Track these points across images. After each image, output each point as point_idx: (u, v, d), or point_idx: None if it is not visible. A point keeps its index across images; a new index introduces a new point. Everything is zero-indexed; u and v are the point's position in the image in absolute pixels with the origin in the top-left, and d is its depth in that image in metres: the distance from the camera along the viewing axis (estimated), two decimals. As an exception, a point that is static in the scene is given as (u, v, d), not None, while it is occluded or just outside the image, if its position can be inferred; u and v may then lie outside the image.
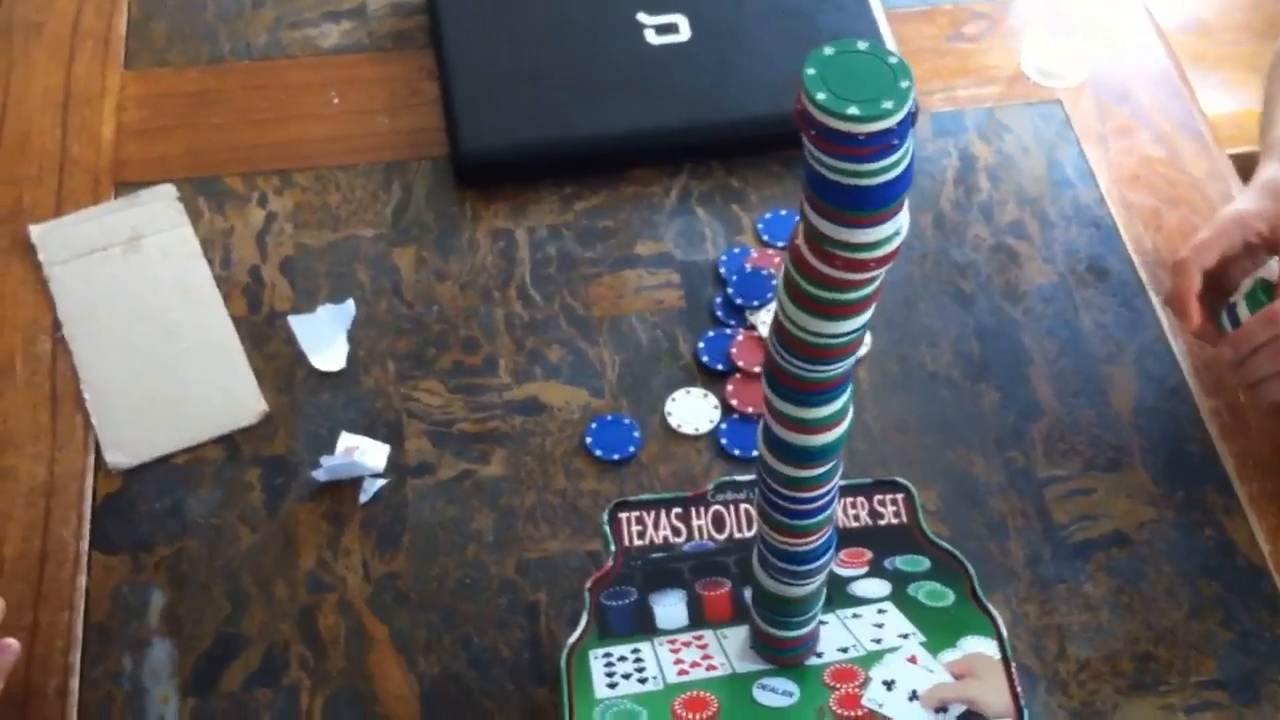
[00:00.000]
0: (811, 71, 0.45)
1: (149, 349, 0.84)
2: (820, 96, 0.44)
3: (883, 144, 0.45)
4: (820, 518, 0.60)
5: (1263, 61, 1.73)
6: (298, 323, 0.85)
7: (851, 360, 0.53)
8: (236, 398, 0.83)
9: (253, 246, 0.89)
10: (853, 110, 0.44)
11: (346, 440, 0.80)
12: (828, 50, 0.45)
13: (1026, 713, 0.67)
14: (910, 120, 0.45)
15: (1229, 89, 1.65)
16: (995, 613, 0.70)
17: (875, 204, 0.47)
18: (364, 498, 0.79)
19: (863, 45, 0.45)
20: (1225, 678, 0.75)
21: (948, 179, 0.95)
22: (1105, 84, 1.01)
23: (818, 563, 0.63)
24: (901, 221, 0.48)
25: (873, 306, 0.51)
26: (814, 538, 0.61)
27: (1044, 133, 0.98)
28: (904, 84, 0.44)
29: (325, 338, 0.85)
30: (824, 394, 0.54)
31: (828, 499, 0.59)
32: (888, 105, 0.44)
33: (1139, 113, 0.99)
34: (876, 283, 0.50)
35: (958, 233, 0.92)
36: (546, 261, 0.89)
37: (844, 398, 0.55)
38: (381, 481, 0.80)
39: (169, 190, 0.90)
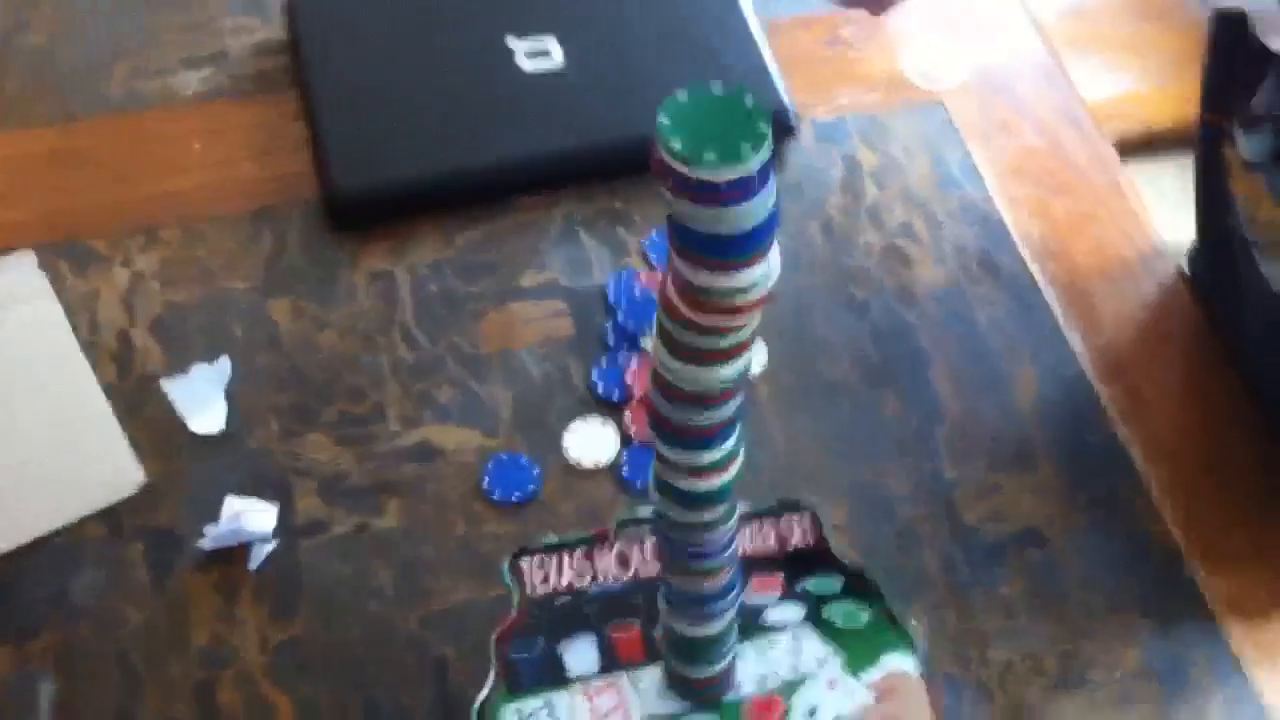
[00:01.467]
0: (665, 120, 0.43)
1: (18, 427, 0.80)
2: (675, 145, 0.42)
3: (743, 189, 0.43)
4: (721, 558, 0.58)
5: (1143, 42, 1.76)
6: (172, 386, 0.82)
7: (735, 404, 0.51)
8: (114, 469, 0.79)
9: (120, 309, 0.85)
10: (710, 156, 0.42)
11: (232, 504, 0.77)
12: (681, 96, 0.43)
13: (952, 727, 0.66)
14: (771, 163, 0.43)
15: (1109, 71, 1.67)
16: (911, 626, 0.68)
17: (743, 250, 0.45)
18: (254, 563, 0.76)
19: (718, 89, 0.43)
20: (1151, 667, 0.74)
21: (835, 186, 0.94)
22: (986, 80, 1.00)
23: (724, 600, 0.61)
24: (772, 264, 0.46)
25: (750, 351, 0.49)
26: (718, 579, 0.59)
27: (928, 133, 0.97)
28: (761, 127, 0.42)
29: (202, 399, 0.81)
30: (711, 439, 0.52)
31: (727, 539, 0.57)
32: (746, 148, 0.42)
33: (1020, 106, 0.99)
34: (752, 326, 0.48)
35: (848, 239, 0.91)
36: (430, 300, 0.87)
37: (732, 440, 0.53)
38: (272, 544, 0.77)
39: (29, 258, 0.86)
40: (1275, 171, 0.77)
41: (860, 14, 0.67)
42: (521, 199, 0.92)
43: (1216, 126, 0.82)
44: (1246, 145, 0.77)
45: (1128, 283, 0.90)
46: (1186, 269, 0.90)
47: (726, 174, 0.43)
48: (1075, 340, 0.87)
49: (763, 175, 0.44)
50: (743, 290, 0.46)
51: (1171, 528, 0.79)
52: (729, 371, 0.50)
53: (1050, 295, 0.89)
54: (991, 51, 1.02)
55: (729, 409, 0.52)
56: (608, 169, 0.93)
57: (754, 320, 0.48)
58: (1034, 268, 0.90)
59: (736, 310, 0.47)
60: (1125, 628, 0.76)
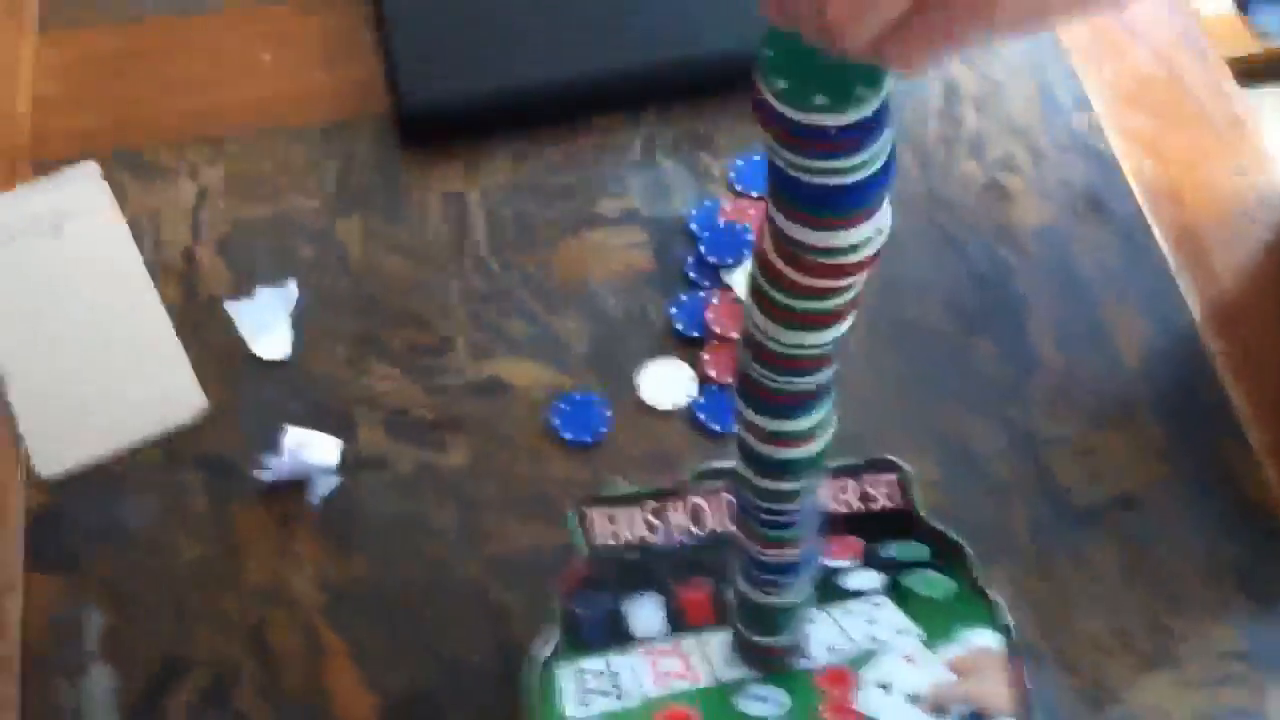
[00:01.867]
0: (768, 53, 0.38)
1: (78, 344, 0.78)
2: (780, 85, 0.38)
3: (856, 137, 0.38)
4: (802, 529, 0.54)
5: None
6: (236, 308, 0.79)
7: (830, 371, 0.47)
8: (174, 393, 0.77)
9: (185, 225, 0.82)
10: (820, 99, 0.37)
11: (294, 436, 0.75)
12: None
13: (1036, 709, 0.62)
14: (887, 107, 0.39)
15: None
16: (999, 601, 0.64)
17: (854, 204, 0.40)
18: (315, 498, 0.74)
19: None
20: (1246, 648, 0.70)
21: (931, 112, 0.88)
22: (1098, -2, 0.93)
23: (803, 572, 0.57)
24: (884, 219, 0.42)
25: (854, 313, 0.45)
26: (797, 549, 0.55)
27: (1033, 54, 0.91)
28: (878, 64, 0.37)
29: (267, 323, 0.78)
30: (801, 406, 0.48)
31: (810, 510, 0.54)
32: (862, 90, 0.38)
33: (1134, 26, 0.92)
34: (858, 288, 0.44)
35: (945, 170, 0.86)
36: (503, 225, 0.83)
37: (824, 409, 0.49)
38: (334, 478, 0.74)
39: (93, 169, 0.84)
40: None
41: None
42: (600, 119, 0.87)
43: None
44: None
45: (1246, 228, 0.84)
46: None
47: (838, 119, 0.38)
48: (1187, 289, 0.81)
49: (878, 121, 0.39)
50: (850, 249, 0.42)
51: (1277, 497, 0.74)
52: (828, 336, 0.46)
53: (1162, 239, 0.83)
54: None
55: (823, 375, 0.48)
56: (692, 88, 0.88)
57: (859, 282, 0.44)
58: (1145, 208, 0.84)
59: (841, 271, 0.42)
60: (1222, 603, 0.71)
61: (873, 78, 0.38)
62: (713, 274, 0.81)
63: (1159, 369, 0.78)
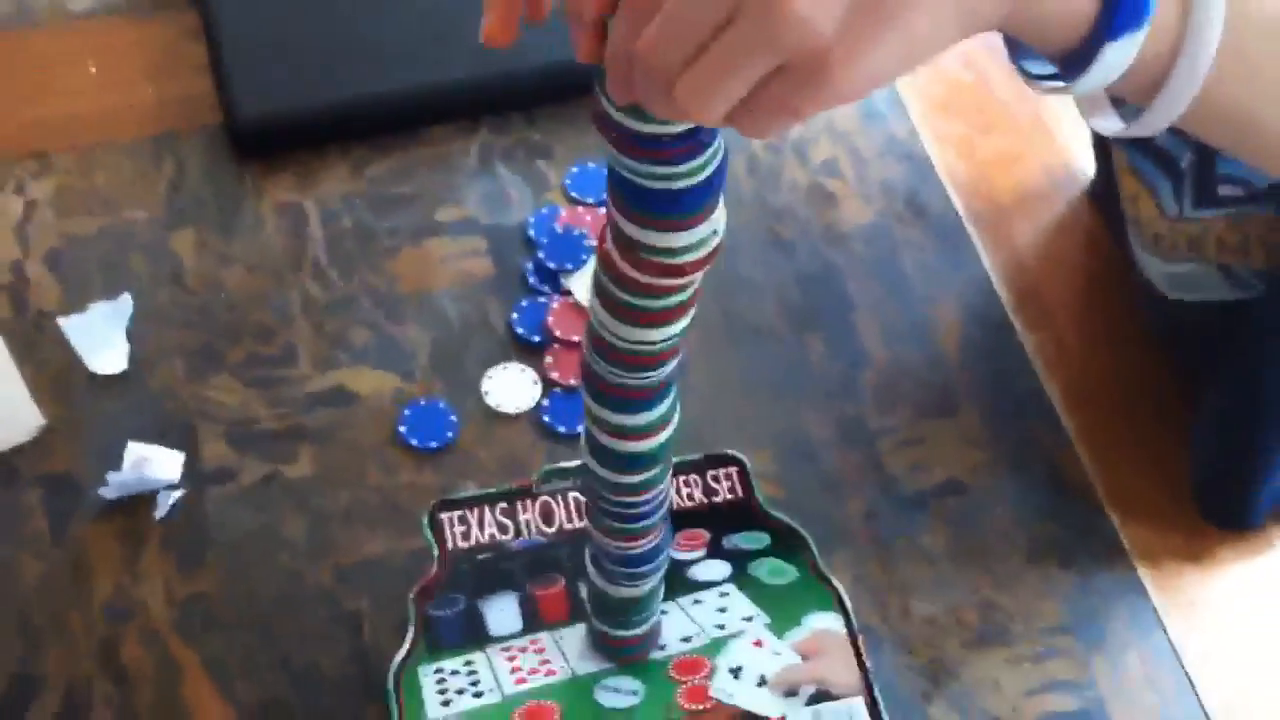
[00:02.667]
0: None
1: (-98, 365, 0.76)
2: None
3: (691, 144, 0.41)
4: (652, 520, 0.56)
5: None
6: (69, 324, 0.77)
7: (673, 364, 0.50)
8: (9, 413, 0.75)
9: (12, 241, 0.81)
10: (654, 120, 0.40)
11: (135, 450, 0.74)
12: None
13: (876, 686, 0.65)
14: None
15: None
16: (838, 585, 0.68)
17: (689, 207, 0.43)
18: (160, 513, 0.73)
19: None
20: (1069, 622, 0.74)
21: (758, 118, 0.91)
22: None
23: (653, 563, 0.59)
24: (718, 221, 0.44)
25: (693, 310, 0.47)
26: (647, 539, 0.57)
27: (852, 63, 0.94)
28: None
29: (102, 338, 0.77)
30: (646, 400, 0.50)
31: (659, 500, 0.56)
32: None
33: (946, 37, 0.96)
34: (695, 285, 0.46)
35: (772, 175, 0.89)
36: (341, 235, 0.83)
37: (668, 401, 0.51)
38: (178, 493, 0.74)
39: (-90, 183, 0.81)
40: (1141, 155, 0.75)
41: None
42: (434, 129, 0.88)
43: None
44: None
45: (1055, 228, 0.89)
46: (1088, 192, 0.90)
47: (672, 129, 0.40)
48: (1000, 284, 0.86)
49: (708, 132, 0.41)
50: (687, 249, 0.44)
51: (1091, 477, 0.79)
52: (669, 332, 0.48)
53: (976, 237, 0.87)
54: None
55: (666, 370, 0.50)
56: (526, 98, 0.89)
57: (696, 280, 0.46)
58: (960, 208, 0.89)
59: (679, 270, 0.45)
60: (1046, 579, 0.76)
61: None
62: (552, 279, 0.82)
63: (977, 361, 0.83)
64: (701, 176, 0.42)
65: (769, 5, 0.35)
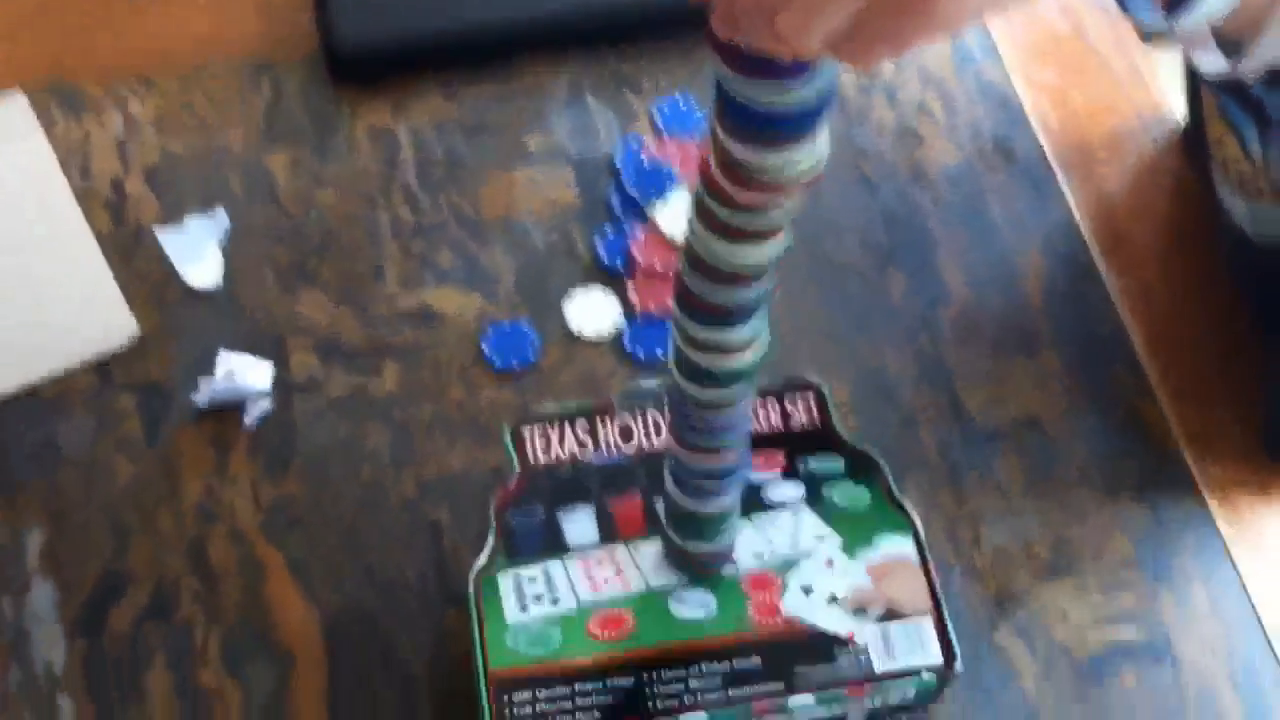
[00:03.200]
0: None
1: (6, 271, 0.78)
2: None
3: (804, 66, 0.41)
4: (734, 436, 0.57)
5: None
6: (166, 236, 0.80)
7: (766, 284, 0.50)
8: (105, 320, 0.77)
9: (113, 156, 0.83)
10: None
11: (226, 360, 0.76)
12: None
13: (945, 608, 0.66)
14: None
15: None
16: (911, 510, 0.68)
17: (795, 127, 0.43)
18: (249, 420, 0.75)
19: None
20: (1140, 557, 0.74)
21: (847, 59, 0.91)
22: (1005, -46, 0.97)
23: (731, 479, 0.60)
24: (822, 143, 0.45)
25: (790, 232, 0.48)
26: (727, 457, 0.58)
27: (944, 7, 0.94)
28: None
29: (197, 251, 0.79)
30: (738, 318, 0.51)
31: (741, 419, 0.56)
32: None
33: (1040, -17, 0.96)
34: (795, 206, 0.47)
35: (861, 115, 0.89)
36: (432, 161, 0.85)
37: (759, 321, 0.52)
38: (267, 402, 0.76)
39: (18, 98, 0.84)
40: (1233, 101, 0.74)
41: None
42: (526, 60, 0.89)
43: None
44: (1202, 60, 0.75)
45: (1146, 178, 0.88)
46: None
47: None
48: (1087, 230, 0.85)
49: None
50: (792, 169, 0.45)
51: (1167, 418, 0.79)
52: (767, 251, 0.48)
53: (1065, 184, 0.87)
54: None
55: (760, 289, 0.51)
56: (615, 31, 0.90)
57: (798, 200, 0.47)
58: (1050, 154, 0.88)
59: (782, 189, 0.45)
60: (1117, 515, 0.76)
61: None
62: (636, 210, 0.83)
63: (1060, 304, 0.83)
64: (811, 98, 0.42)
65: None
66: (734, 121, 0.44)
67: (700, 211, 0.48)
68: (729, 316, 0.52)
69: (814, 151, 0.45)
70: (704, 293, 0.51)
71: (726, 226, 0.47)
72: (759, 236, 0.48)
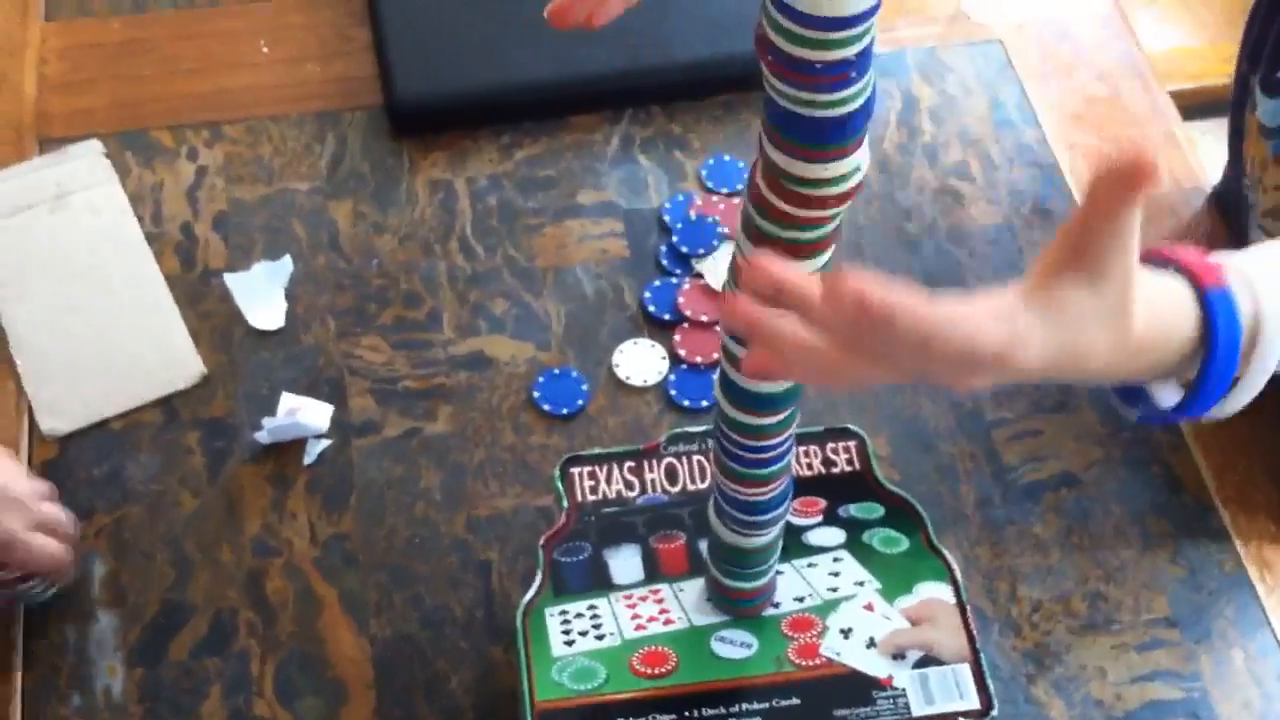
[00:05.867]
0: None
1: (81, 311, 0.82)
2: None
3: (841, 74, 0.44)
4: (778, 466, 0.59)
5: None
6: (233, 280, 0.83)
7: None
8: (173, 359, 0.81)
9: (184, 202, 0.86)
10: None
11: (288, 400, 0.79)
12: None
13: (982, 655, 0.67)
14: (869, 52, 0.44)
15: (1162, 25, 1.66)
16: (949, 557, 0.70)
17: (836, 137, 0.46)
18: (308, 459, 0.78)
19: None
20: (1176, 615, 0.76)
21: (891, 120, 0.94)
22: (1046, 22, 1.00)
23: (775, 512, 0.62)
24: (862, 157, 0.47)
25: (832, 247, 0.50)
26: (771, 486, 0.60)
27: (985, 72, 0.97)
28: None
29: (262, 295, 0.83)
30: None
31: (785, 447, 0.59)
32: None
33: (1080, 51, 0.99)
34: (836, 221, 0.49)
35: (902, 175, 0.92)
36: (488, 212, 0.88)
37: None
38: (326, 442, 0.78)
39: (95, 145, 0.88)
40: None
41: None
42: (580, 117, 0.92)
43: (1245, 81, 0.82)
44: (1264, 108, 0.77)
45: (1178, 233, 0.90)
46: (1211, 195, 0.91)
47: (825, 55, 0.43)
48: (1123, 289, 0.87)
49: (860, 63, 0.44)
50: (831, 181, 0.47)
51: (1205, 478, 0.80)
52: (809, 266, 0.51)
53: (1101, 243, 0.89)
54: (1053, -5, 1.02)
55: None
56: (667, 90, 0.93)
57: (839, 215, 0.49)
58: (1086, 215, 0.90)
59: (823, 202, 0.48)
60: (1154, 575, 0.77)
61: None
62: (684, 262, 0.86)
63: (1097, 361, 0.84)
64: (849, 107, 0.45)
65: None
66: (779, 130, 0.46)
67: (746, 226, 0.51)
68: None
69: (854, 164, 0.47)
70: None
71: (771, 238, 0.50)
72: (801, 251, 0.50)
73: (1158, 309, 0.47)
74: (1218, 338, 0.48)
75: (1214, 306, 0.48)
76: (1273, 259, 0.51)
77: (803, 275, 0.44)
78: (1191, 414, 0.50)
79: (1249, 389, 0.50)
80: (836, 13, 0.42)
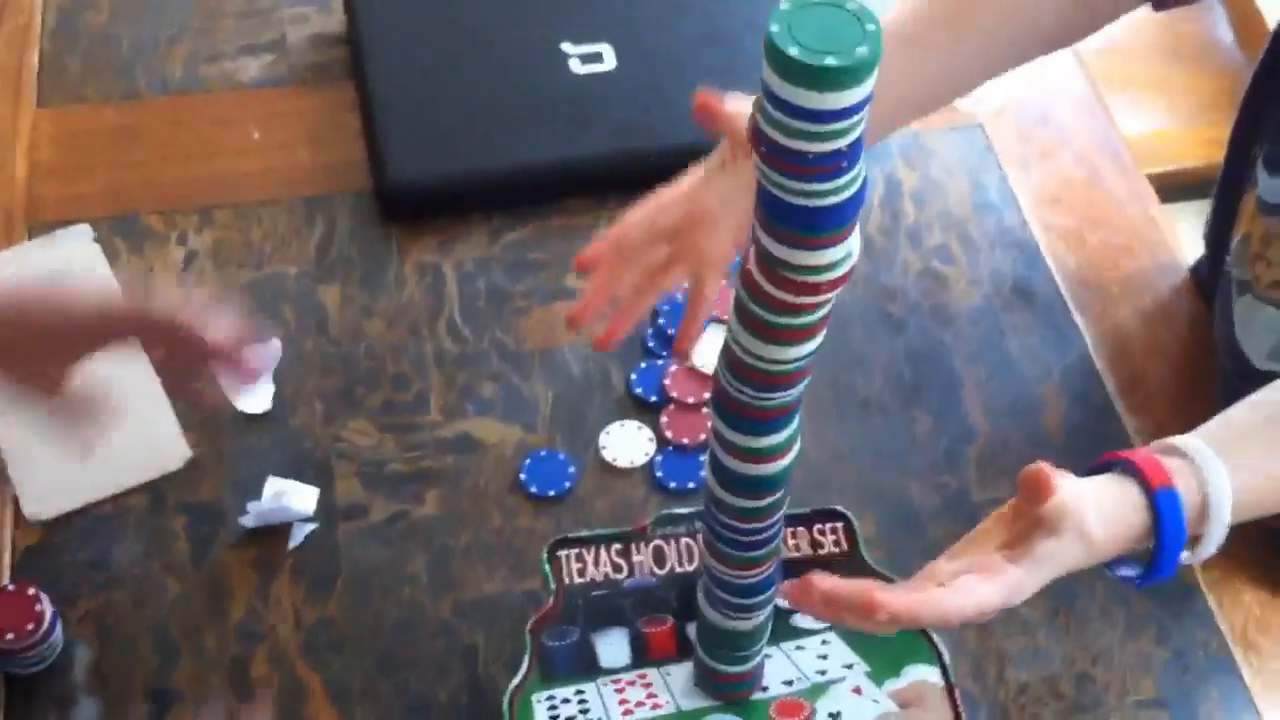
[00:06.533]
0: (776, 27, 0.43)
1: (67, 395, 0.82)
2: (792, 51, 0.42)
3: (833, 164, 0.45)
4: (768, 549, 0.60)
5: (1172, 83, 1.77)
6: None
7: (801, 387, 0.53)
8: (160, 444, 0.81)
9: (173, 286, 0.87)
10: (830, 61, 0.42)
11: (274, 484, 0.79)
12: (789, 12, 0.43)
13: (972, 739, 0.67)
14: (860, 142, 0.45)
15: (1138, 110, 1.68)
16: (937, 639, 0.70)
17: (828, 225, 0.46)
18: (294, 543, 0.78)
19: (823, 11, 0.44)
20: (1163, 697, 0.76)
21: (874, 204, 0.95)
22: (1025, 107, 1.02)
23: (764, 595, 0.62)
24: (853, 244, 0.48)
25: (824, 332, 0.51)
26: (761, 569, 0.61)
27: (967, 156, 0.99)
28: (870, 25, 0.43)
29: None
30: (773, 422, 0.54)
31: (775, 529, 0.59)
32: (862, 51, 0.43)
33: (1059, 134, 1.00)
34: (828, 307, 0.50)
35: (886, 257, 0.93)
36: (475, 295, 0.88)
37: (793, 426, 0.55)
38: (311, 526, 0.78)
39: (85, 230, 0.88)
40: None
41: None
42: (568, 201, 0.93)
43: (1241, 162, 0.83)
44: (1266, 186, 0.78)
45: (1160, 318, 0.91)
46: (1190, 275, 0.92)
47: (817, 146, 0.44)
48: (1104, 369, 0.88)
49: (851, 153, 0.45)
50: (824, 268, 0.48)
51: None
52: (802, 351, 0.51)
53: (1082, 324, 0.90)
54: (1032, 79, 1.03)
55: (794, 392, 0.54)
56: (654, 175, 0.94)
57: (831, 301, 0.50)
58: (1067, 296, 0.91)
59: (816, 289, 0.48)
60: (1140, 656, 0.77)
61: (868, 36, 0.43)
62: (670, 345, 0.86)
63: (1079, 440, 0.85)
64: (841, 196, 0.46)
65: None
66: (772, 218, 0.47)
67: (738, 311, 0.51)
68: (764, 420, 0.54)
69: (845, 251, 0.48)
70: (741, 395, 0.53)
71: (764, 324, 0.50)
72: (793, 336, 0.51)
73: (1110, 514, 0.58)
74: (1165, 530, 0.58)
75: (1161, 505, 0.58)
76: (1223, 433, 0.62)
77: (847, 586, 0.55)
78: (1152, 582, 0.61)
79: (1209, 546, 0.60)
80: (830, 106, 0.43)
